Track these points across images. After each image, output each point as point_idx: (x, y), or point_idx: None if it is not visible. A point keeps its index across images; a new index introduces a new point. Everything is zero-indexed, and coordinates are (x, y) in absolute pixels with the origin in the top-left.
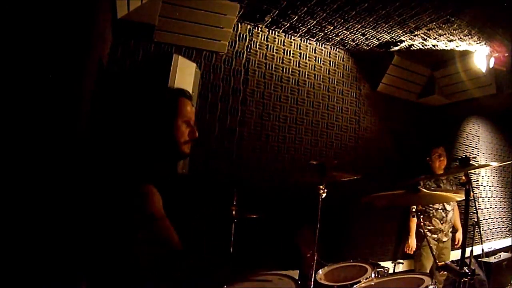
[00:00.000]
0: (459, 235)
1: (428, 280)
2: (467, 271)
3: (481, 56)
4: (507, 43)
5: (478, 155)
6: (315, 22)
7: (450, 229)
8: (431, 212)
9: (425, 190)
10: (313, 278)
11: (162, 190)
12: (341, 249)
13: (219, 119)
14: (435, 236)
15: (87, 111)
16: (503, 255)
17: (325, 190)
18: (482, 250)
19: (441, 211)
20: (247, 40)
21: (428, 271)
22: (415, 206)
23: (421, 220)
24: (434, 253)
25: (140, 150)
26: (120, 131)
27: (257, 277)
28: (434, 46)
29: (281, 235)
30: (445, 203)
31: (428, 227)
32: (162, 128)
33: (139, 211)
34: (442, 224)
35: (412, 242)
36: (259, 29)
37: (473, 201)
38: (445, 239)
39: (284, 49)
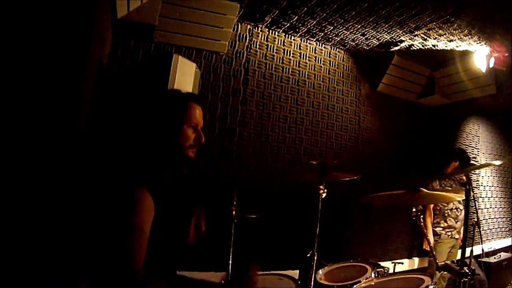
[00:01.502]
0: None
1: (428, 280)
2: (467, 271)
3: (481, 56)
4: (507, 43)
5: (478, 155)
6: (315, 22)
7: (462, 227)
8: (446, 211)
9: (425, 190)
10: (313, 278)
11: (163, 191)
12: (341, 249)
13: (219, 119)
14: (449, 233)
15: (87, 111)
16: (503, 255)
17: (325, 190)
18: (482, 250)
19: (455, 210)
20: (247, 40)
21: None
22: (422, 206)
23: (421, 220)
24: (434, 253)
25: (142, 151)
26: (121, 132)
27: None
28: (434, 46)
29: (281, 235)
30: (458, 202)
31: (442, 226)
32: (167, 132)
33: (123, 215)
34: (456, 222)
35: (430, 238)
36: (259, 29)
37: (473, 201)
38: (457, 236)
39: (284, 49)
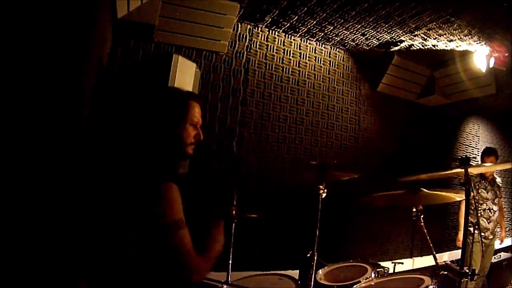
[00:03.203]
0: (503, 234)
1: (428, 280)
2: (467, 271)
3: (481, 56)
4: (507, 43)
5: (478, 155)
6: (315, 22)
7: (497, 228)
8: (479, 211)
9: (425, 190)
10: (313, 278)
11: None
12: (341, 249)
13: (219, 119)
14: (482, 234)
15: (87, 111)
16: (503, 255)
17: (325, 190)
18: (482, 250)
19: (488, 211)
20: (247, 40)
21: (478, 267)
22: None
23: (421, 220)
24: (433, 253)
25: (144, 150)
26: (121, 131)
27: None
28: (434, 46)
29: (281, 235)
30: (492, 204)
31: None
32: (170, 130)
33: (160, 218)
34: (488, 223)
35: (461, 236)
36: (259, 29)
37: (473, 201)
38: (491, 237)
39: (284, 49)
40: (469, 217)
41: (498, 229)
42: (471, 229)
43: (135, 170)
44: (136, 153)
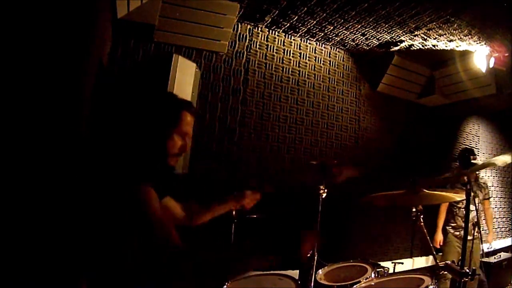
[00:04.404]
0: (489, 238)
1: (428, 280)
2: (467, 271)
3: (481, 56)
4: (507, 43)
5: (478, 155)
6: (315, 22)
7: (475, 229)
8: (455, 210)
9: (425, 190)
10: (313, 278)
11: (158, 191)
12: (341, 249)
13: (219, 119)
14: (457, 233)
15: (87, 111)
16: (503, 255)
17: (325, 190)
18: (482, 250)
19: (463, 209)
20: (247, 40)
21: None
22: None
23: (421, 220)
24: (433, 253)
25: (136, 152)
26: (120, 132)
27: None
28: (434, 46)
29: (281, 235)
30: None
31: (452, 224)
32: (157, 137)
33: (137, 213)
34: (463, 222)
35: (437, 236)
36: (259, 29)
37: (473, 201)
38: (468, 237)
39: (284, 49)
40: (447, 216)
41: (483, 231)
42: (447, 227)
43: (127, 171)
44: (128, 154)
